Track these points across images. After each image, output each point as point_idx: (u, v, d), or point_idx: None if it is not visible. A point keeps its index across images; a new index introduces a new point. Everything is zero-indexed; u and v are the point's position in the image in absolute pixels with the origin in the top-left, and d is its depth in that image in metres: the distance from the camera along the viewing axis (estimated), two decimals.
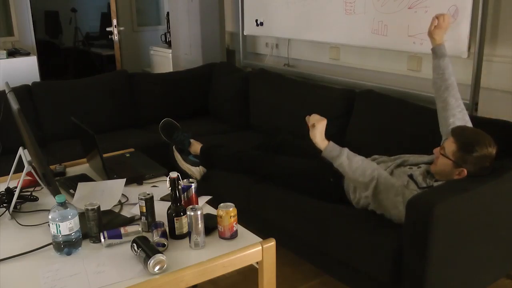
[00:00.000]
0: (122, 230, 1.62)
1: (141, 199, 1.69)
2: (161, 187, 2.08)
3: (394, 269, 1.91)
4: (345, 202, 2.28)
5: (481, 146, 1.97)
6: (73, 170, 2.34)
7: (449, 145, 2.02)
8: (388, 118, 2.62)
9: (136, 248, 1.49)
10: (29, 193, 1.98)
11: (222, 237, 1.64)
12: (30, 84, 3.41)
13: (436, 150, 2.08)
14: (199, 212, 1.56)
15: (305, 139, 2.44)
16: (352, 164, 2.08)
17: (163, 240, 1.57)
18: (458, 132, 2.04)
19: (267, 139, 2.99)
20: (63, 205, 1.54)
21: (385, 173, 2.09)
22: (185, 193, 1.78)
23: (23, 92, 3.30)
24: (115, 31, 5.21)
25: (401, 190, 2.02)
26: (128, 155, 2.54)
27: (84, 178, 2.19)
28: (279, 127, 3.29)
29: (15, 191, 1.87)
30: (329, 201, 2.28)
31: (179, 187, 1.66)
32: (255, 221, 2.49)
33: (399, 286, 1.92)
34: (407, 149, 2.43)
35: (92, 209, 1.61)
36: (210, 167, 2.80)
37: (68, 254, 1.56)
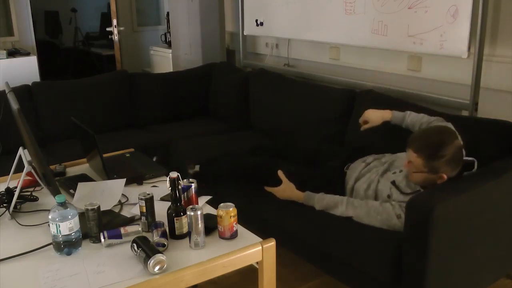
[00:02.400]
0: (122, 230, 1.61)
1: (141, 199, 1.69)
2: (161, 187, 2.08)
3: (394, 269, 1.91)
4: None
5: (445, 147, 1.93)
6: (73, 170, 2.34)
7: (415, 160, 1.96)
8: None
9: (136, 248, 1.49)
10: (29, 193, 1.98)
11: (222, 237, 1.64)
12: (30, 84, 3.41)
13: (406, 167, 2.03)
14: (199, 212, 1.56)
15: (306, 143, 2.47)
16: (329, 209, 2.19)
17: (163, 240, 1.57)
18: (416, 145, 1.97)
19: (266, 141, 2.95)
20: (63, 205, 1.54)
21: (358, 204, 2.10)
22: (185, 193, 1.78)
23: (23, 92, 3.30)
24: (115, 31, 5.21)
25: (381, 208, 2.03)
26: (128, 155, 2.54)
27: (84, 178, 2.19)
28: (279, 128, 3.29)
29: (15, 191, 1.86)
30: None
31: (179, 187, 1.66)
32: (255, 221, 2.49)
33: (399, 286, 1.92)
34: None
35: (92, 209, 1.61)
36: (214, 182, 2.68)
37: (68, 254, 1.56)
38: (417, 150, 1.96)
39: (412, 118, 2.34)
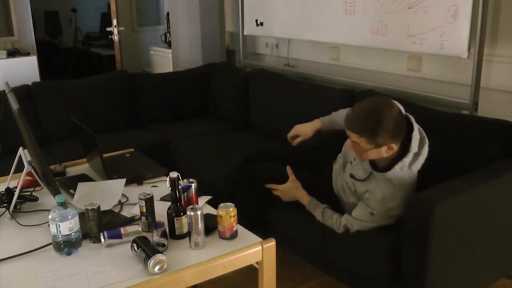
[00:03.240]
0: (122, 230, 1.62)
1: (141, 199, 1.69)
2: (161, 187, 2.08)
3: (394, 269, 1.91)
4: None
5: (384, 121, 1.88)
6: (73, 170, 2.34)
7: (359, 141, 1.94)
8: None
9: (136, 248, 1.49)
10: (29, 193, 1.98)
11: (222, 237, 1.64)
12: (30, 84, 3.41)
13: (352, 148, 2.01)
14: (199, 212, 1.56)
15: (304, 143, 2.47)
16: (325, 220, 2.17)
17: (163, 240, 1.57)
18: (355, 127, 1.94)
19: (268, 146, 2.84)
20: (63, 205, 1.54)
21: (350, 224, 2.08)
22: (185, 193, 1.78)
23: (23, 92, 3.30)
24: (115, 31, 5.21)
25: (364, 208, 2.03)
26: (128, 155, 2.54)
27: (84, 178, 2.19)
28: (279, 128, 3.28)
29: (15, 191, 1.86)
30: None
31: (179, 187, 1.66)
32: (255, 222, 2.49)
33: (399, 286, 1.92)
34: None
35: (92, 209, 1.61)
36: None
37: (68, 254, 1.56)
38: (357, 131, 1.93)
39: (340, 116, 2.30)
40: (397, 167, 1.95)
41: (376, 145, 1.92)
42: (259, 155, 2.62)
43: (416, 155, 1.98)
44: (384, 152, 1.94)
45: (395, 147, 1.94)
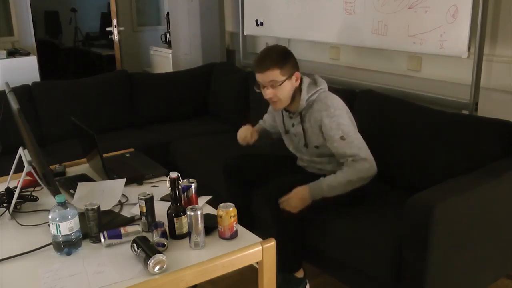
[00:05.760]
0: (122, 230, 1.61)
1: (141, 199, 1.69)
2: (161, 187, 2.08)
3: (394, 269, 1.91)
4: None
5: (284, 48, 2.20)
6: (73, 170, 2.34)
7: (273, 75, 2.13)
8: (388, 118, 2.62)
9: (136, 248, 1.49)
10: (29, 193, 1.98)
11: (222, 237, 1.64)
12: (30, 84, 3.41)
13: (270, 94, 2.17)
14: (199, 212, 1.56)
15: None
16: (334, 189, 2.14)
17: (163, 240, 1.57)
18: (265, 62, 2.14)
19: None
20: (63, 205, 1.54)
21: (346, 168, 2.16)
22: (185, 193, 1.78)
23: (23, 92, 3.31)
24: (115, 31, 5.21)
25: (337, 145, 2.17)
26: (128, 155, 2.54)
27: (84, 178, 2.19)
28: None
29: (15, 191, 1.86)
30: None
31: (179, 187, 1.66)
32: (255, 222, 2.49)
33: (399, 286, 1.92)
34: (407, 149, 2.43)
35: (92, 209, 1.61)
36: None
37: (68, 254, 1.56)
38: (269, 64, 2.13)
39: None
40: (309, 91, 2.21)
41: (288, 75, 2.15)
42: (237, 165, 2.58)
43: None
44: (294, 81, 2.18)
45: (299, 75, 2.20)
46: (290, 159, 2.50)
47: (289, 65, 2.15)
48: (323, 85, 2.27)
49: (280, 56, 2.15)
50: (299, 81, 2.21)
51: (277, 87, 2.15)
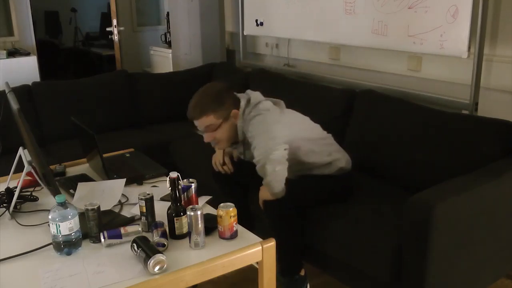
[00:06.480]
0: (122, 230, 1.62)
1: (141, 199, 1.69)
2: (161, 187, 2.08)
3: (394, 269, 1.91)
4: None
5: (218, 90, 2.13)
6: (73, 170, 2.34)
7: (209, 121, 2.08)
8: (388, 118, 2.62)
9: (136, 248, 1.49)
10: (29, 193, 1.98)
11: (222, 237, 1.64)
12: (30, 84, 3.41)
13: (209, 138, 2.13)
14: (199, 212, 1.56)
15: None
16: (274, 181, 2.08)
17: (163, 240, 1.57)
18: (197, 109, 2.08)
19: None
20: (63, 205, 1.54)
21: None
22: (185, 193, 1.78)
23: (23, 92, 3.31)
24: (115, 31, 5.21)
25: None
26: (128, 155, 2.54)
27: (84, 178, 2.19)
28: None
29: (15, 191, 1.86)
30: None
31: (179, 187, 1.66)
32: (255, 222, 2.49)
33: (399, 286, 1.92)
34: (407, 149, 2.43)
35: (92, 209, 1.61)
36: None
37: (68, 254, 1.56)
38: (203, 111, 2.07)
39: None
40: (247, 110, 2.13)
41: (224, 117, 2.10)
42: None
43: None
44: (234, 119, 2.12)
45: (238, 112, 2.12)
46: None
47: (224, 107, 2.10)
48: (256, 100, 2.17)
49: (214, 100, 2.09)
50: (237, 118, 2.14)
51: (215, 130, 2.12)
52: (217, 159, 2.46)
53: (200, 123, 2.11)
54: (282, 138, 2.07)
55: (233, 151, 2.44)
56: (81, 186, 1.99)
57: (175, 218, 1.62)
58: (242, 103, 2.16)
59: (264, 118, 2.11)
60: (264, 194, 2.14)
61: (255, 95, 2.22)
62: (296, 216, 2.19)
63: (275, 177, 2.06)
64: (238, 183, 2.50)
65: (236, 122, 2.14)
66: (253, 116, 2.12)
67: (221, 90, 2.14)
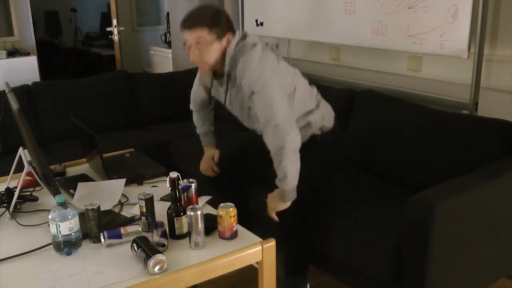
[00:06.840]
0: (122, 230, 1.62)
1: (141, 199, 1.69)
2: (161, 187, 2.08)
3: (394, 269, 1.91)
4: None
5: (218, 7, 2.06)
6: (73, 170, 2.34)
7: (201, 34, 1.94)
8: (388, 118, 2.62)
9: (136, 248, 1.49)
10: (29, 193, 1.98)
11: (222, 237, 1.64)
12: (30, 84, 3.41)
13: (196, 51, 1.98)
14: (199, 212, 1.56)
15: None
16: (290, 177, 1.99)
17: (163, 240, 1.57)
18: (194, 19, 1.96)
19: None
20: (63, 205, 1.54)
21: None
22: (185, 193, 1.78)
23: (23, 92, 3.30)
24: (115, 31, 5.21)
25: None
26: (128, 155, 2.54)
27: (84, 178, 2.19)
28: None
29: (15, 191, 1.86)
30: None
31: (179, 187, 1.66)
32: (255, 221, 2.48)
33: (399, 286, 1.92)
34: (407, 149, 2.43)
35: (92, 209, 1.61)
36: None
37: (68, 254, 1.56)
38: (198, 22, 1.95)
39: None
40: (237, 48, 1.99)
41: (218, 36, 1.96)
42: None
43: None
44: (225, 43, 1.98)
45: (231, 38, 1.99)
46: (253, 144, 2.36)
47: (220, 26, 1.96)
48: (252, 41, 2.05)
49: (212, 16, 1.97)
50: (231, 44, 2.00)
51: (204, 48, 1.97)
52: (202, 167, 2.48)
53: (192, 35, 1.96)
54: (289, 114, 1.99)
55: (214, 154, 2.48)
56: (81, 186, 1.99)
57: (175, 218, 1.62)
58: (238, 35, 2.04)
59: (262, 70, 1.98)
60: (275, 204, 2.04)
61: (253, 36, 2.10)
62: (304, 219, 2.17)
63: (295, 174, 1.96)
64: (232, 183, 2.48)
65: (227, 47, 1.99)
66: (249, 50, 1.99)
67: (220, 10, 2.06)
